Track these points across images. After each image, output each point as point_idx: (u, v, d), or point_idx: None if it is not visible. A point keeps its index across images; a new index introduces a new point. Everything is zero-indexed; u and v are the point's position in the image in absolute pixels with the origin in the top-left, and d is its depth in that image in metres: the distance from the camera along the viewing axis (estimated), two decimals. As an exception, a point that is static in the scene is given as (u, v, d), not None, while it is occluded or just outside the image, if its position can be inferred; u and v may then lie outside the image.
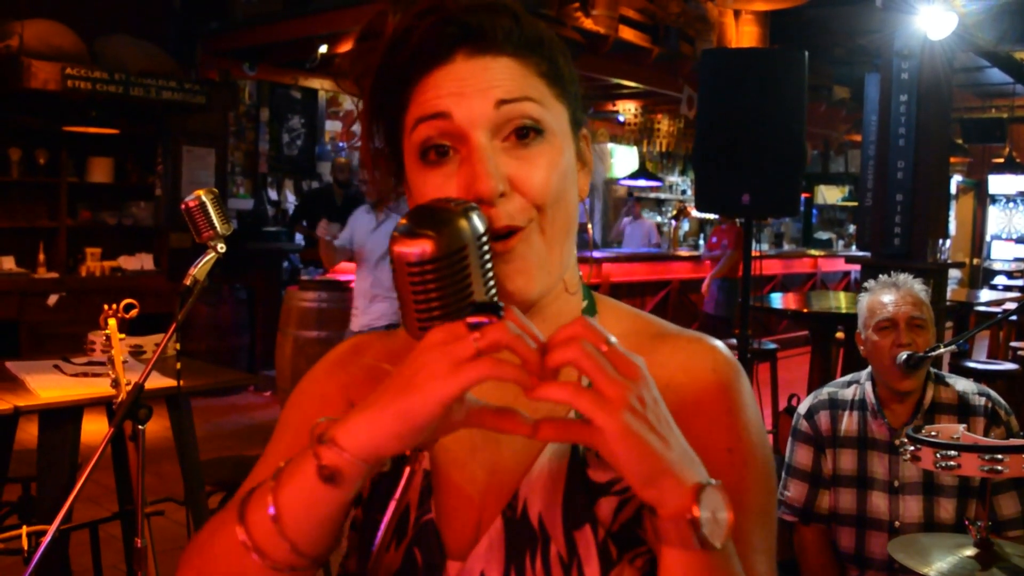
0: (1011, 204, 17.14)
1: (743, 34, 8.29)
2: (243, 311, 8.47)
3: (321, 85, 10.07)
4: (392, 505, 0.70)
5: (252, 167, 9.63)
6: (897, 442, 2.07)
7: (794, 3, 5.80)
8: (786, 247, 14.33)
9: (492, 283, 0.75)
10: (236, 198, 9.41)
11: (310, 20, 8.21)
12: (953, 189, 16.36)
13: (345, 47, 8.26)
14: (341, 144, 10.49)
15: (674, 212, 13.07)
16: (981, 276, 16.39)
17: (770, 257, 11.94)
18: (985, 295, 10.17)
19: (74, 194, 7.87)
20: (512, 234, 0.84)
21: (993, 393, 2.53)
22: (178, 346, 1.95)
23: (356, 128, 10.85)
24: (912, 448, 1.87)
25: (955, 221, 16.78)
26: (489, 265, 0.74)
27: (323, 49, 8.40)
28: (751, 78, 3.81)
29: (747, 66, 3.89)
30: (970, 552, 1.88)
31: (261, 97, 9.73)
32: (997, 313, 9.89)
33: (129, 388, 2.10)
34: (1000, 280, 15.89)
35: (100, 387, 2.91)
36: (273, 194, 9.78)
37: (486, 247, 0.74)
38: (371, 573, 0.70)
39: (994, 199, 17.11)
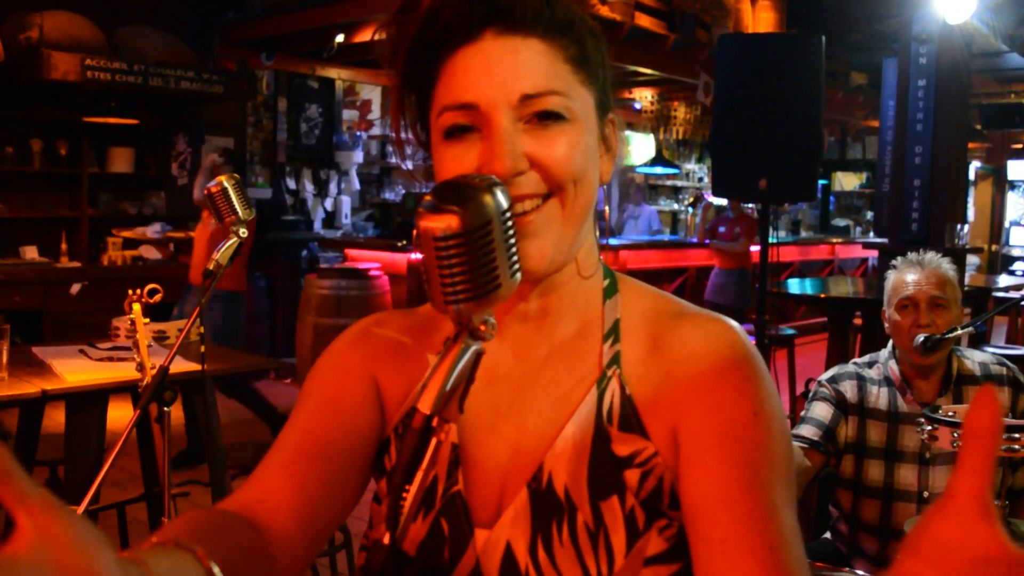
0: (1030, 190, 17.03)
1: (760, 20, 8.25)
2: (262, 300, 8.54)
3: (338, 74, 10.10)
4: (419, 475, 0.73)
5: (270, 156, 9.67)
6: (917, 429, 2.08)
7: (811, -13, 5.77)
8: (804, 234, 14.27)
9: (515, 257, 0.76)
10: (255, 187, 9.45)
11: (327, 10, 8.24)
12: (972, 175, 16.25)
13: (362, 36, 8.33)
14: (359, 133, 10.52)
15: (691, 200, 13.04)
16: (1000, 262, 16.29)
17: (787, 244, 11.91)
18: (1004, 281, 10.11)
19: (95, 184, 7.94)
20: (531, 210, 0.86)
21: (1008, 362, 2.56)
22: (202, 330, 1.99)
23: (372, 116, 10.88)
24: (929, 428, 1.89)
25: (974, 208, 16.68)
26: (513, 240, 0.76)
27: (340, 38, 8.43)
28: (768, 63, 3.81)
29: (763, 51, 3.89)
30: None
31: (278, 87, 9.76)
32: (1015, 299, 9.85)
33: (154, 372, 2.14)
34: (1019, 266, 15.80)
35: (125, 371, 2.96)
36: (291, 183, 9.83)
37: (510, 222, 0.76)
38: (398, 542, 0.72)
39: (1013, 185, 16.99)
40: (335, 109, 10.39)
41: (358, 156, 10.36)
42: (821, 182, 15.87)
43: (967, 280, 8.05)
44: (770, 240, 4.15)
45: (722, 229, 8.79)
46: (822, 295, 5.98)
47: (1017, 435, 1.76)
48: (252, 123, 9.50)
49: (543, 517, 0.89)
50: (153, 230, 7.59)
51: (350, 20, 8.28)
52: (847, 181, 16.86)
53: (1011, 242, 16.89)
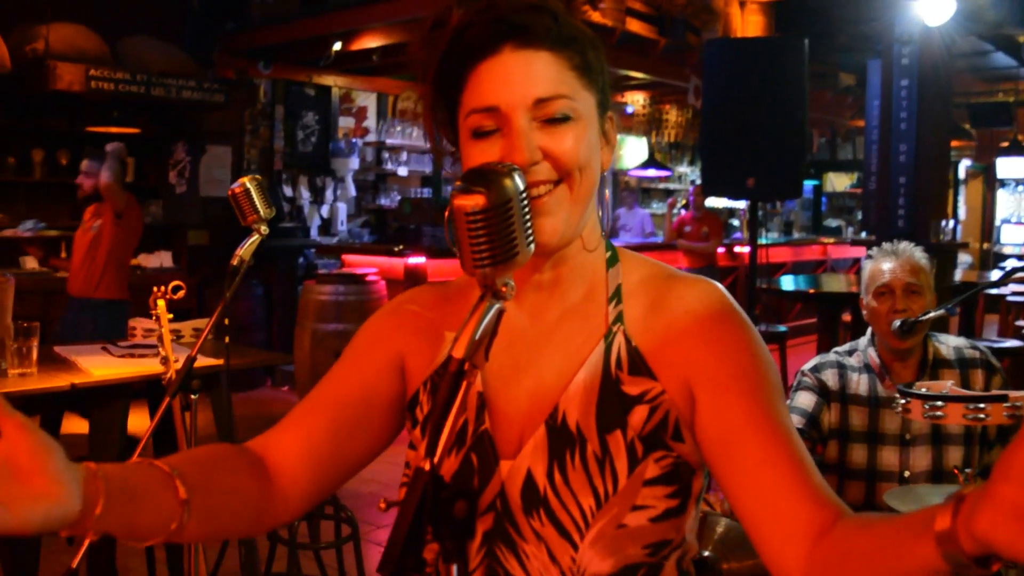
0: (1020, 188, 17.20)
1: (748, 23, 8.41)
2: (259, 307, 8.63)
3: (334, 82, 10.24)
4: (453, 410, 0.87)
5: (267, 164, 9.80)
6: (893, 405, 2.23)
7: (795, -8, 5.94)
8: (796, 235, 14.43)
9: (530, 231, 0.92)
10: (252, 195, 9.58)
11: (325, 19, 8.40)
12: (962, 174, 16.44)
13: (359, 44, 8.48)
14: (355, 140, 10.66)
15: (683, 202, 13.19)
16: (992, 259, 16.46)
17: (780, 244, 12.08)
18: (994, 276, 10.29)
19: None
20: (544, 194, 1.04)
21: (981, 345, 2.73)
22: (227, 321, 2.13)
23: (368, 123, 11.03)
24: (903, 402, 2.04)
25: (965, 206, 16.86)
26: (528, 217, 0.92)
27: (337, 46, 8.58)
28: (753, 67, 3.97)
29: (749, 55, 4.05)
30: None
31: (275, 95, 9.91)
32: (1005, 295, 10.03)
33: (178, 365, 2.29)
34: (1010, 264, 15.96)
35: (149, 366, 3.10)
36: (288, 190, 9.96)
37: (526, 201, 0.92)
38: (436, 470, 0.87)
39: (1003, 183, 17.16)
40: (331, 116, 10.54)
41: (354, 163, 10.49)
42: (813, 183, 16.08)
43: (959, 276, 8.25)
44: (759, 239, 4.30)
45: (688, 229, 8.95)
46: (811, 291, 6.13)
47: (983, 405, 1.91)
48: (250, 131, 9.64)
49: (558, 448, 1.06)
50: (25, 228, 7.49)
51: (346, 29, 8.44)
52: (838, 181, 17.05)
53: (1002, 239, 17.06)
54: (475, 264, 0.90)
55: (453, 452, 1.10)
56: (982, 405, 1.90)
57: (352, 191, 10.56)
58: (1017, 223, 17.15)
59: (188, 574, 2.46)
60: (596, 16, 7.63)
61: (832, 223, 15.76)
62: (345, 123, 10.85)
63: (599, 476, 1.04)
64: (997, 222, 17.24)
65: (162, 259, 8.28)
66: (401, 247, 7.54)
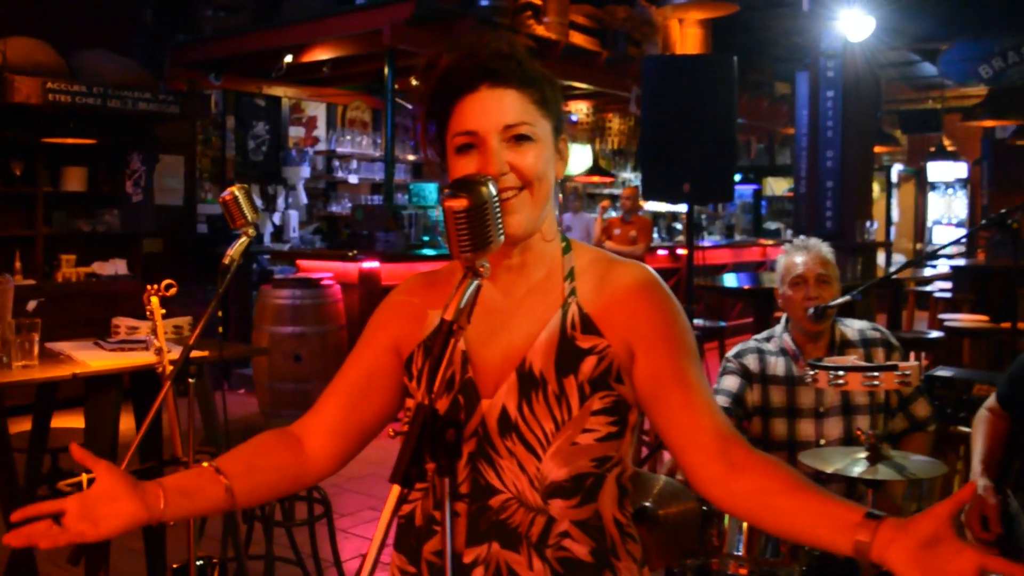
0: (950, 190, 17.89)
1: (687, 36, 8.76)
2: (214, 319, 8.77)
3: (284, 92, 10.45)
4: (445, 360, 1.17)
5: (219, 173, 9.96)
6: (806, 378, 2.56)
7: (727, 11, 6.30)
8: (738, 237, 14.90)
9: (501, 224, 1.23)
10: (205, 204, 9.73)
11: (276, 33, 8.62)
12: (895, 178, 17.08)
13: (309, 56, 8.70)
14: (305, 149, 10.85)
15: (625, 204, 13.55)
16: (924, 261, 17.06)
17: (722, 247, 12.51)
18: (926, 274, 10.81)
19: (49, 203, 8.13)
20: (511, 198, 1.36)
21: (881, 327, 3.10)
22: (220, 313, 2.38)
23: (318, 133, 11.23)
24: (812, 373, 2.37)
25: (898, 208, 17.51)
26: (499, 215, 1.23)
27: (289, 59, 8.80)
28: (688, 81, 4.30)
29: (684, 71, 4.39)
30: (862, 455, 2.37)
31: (227, 105, 10.08)
32: (932, 292, 10.54)
33: (172, 355, 2.54)
34: (941, 263, 16.55)
35: (142, 357, 3.34)
36: (241, 199, 10.10)
37: (498, 204, 1.23)
38: (432, 404, 1.16)
39: (934, 186, 17.84)
40: (282, 126, 10.73)
41: (305, 171, 10.68)
42: (753, 187, 16.59)
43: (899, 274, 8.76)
44: (697, 240, 4.62)
45: (617, 232, 9.23)
46: (746, 287, 6.49)
47: (877, 374, 2.25)
48: (201, 141, 9.80)
49: (526, 389, 1.38)
50: None
51: (296, 42, 8.66)
52: (777, 186, 17.58)
53: (934, 240, 17.72)
54: (460, 250, 1.20)
55: (445, 395, 1.41)
56: (876, 374, 2.24)
57: (303, 199, 10.75)
58: (947, 224, 17.79)
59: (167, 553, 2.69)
60: (541, 30, 7.95)
61: (771, 226, 16.27)
62: (295, 133, 11.04)
63: (557, 408, 1.37)
64: (929, 223, 17.89)
65: (117, 267, 8.37)
66: (355, 252, 7.76)
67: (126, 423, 3.58)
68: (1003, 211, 3.22)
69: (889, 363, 2.28)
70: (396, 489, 1.15)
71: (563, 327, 1.40)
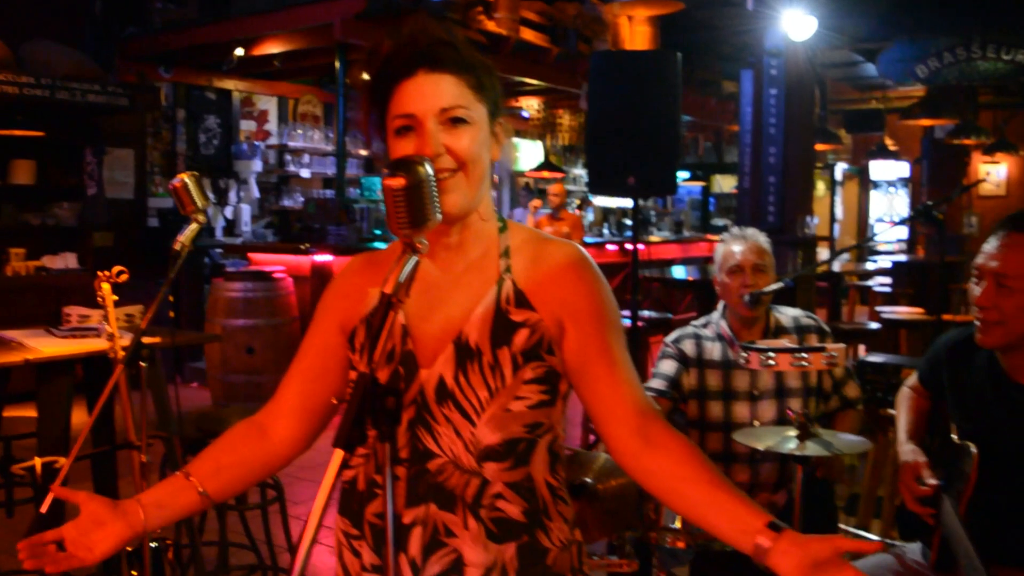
0: (892, 189, 18.25)
1: (636, 34, 8.86)
2: (163, 310, 8.72)
3: (235, 86, 10.42)
4: (385, 331, 1.25)
5: (170, 167, 9.91)
6: (740, 359, 2.68)
7: (672, 8, 6.42)
8: (686, 233, 15.09)
9: (438, 204, 1.30)
10: (155, 197, 9.69)
11: (226, 25, 8.60)
12: (839, 176, 17.39)
13: (260, 50, 8.70)
14: (257, 143, 10.83)
15: (577, 202, 13.70)
16: (867, 256, 17.42)
17: (671, 242, 12.70)
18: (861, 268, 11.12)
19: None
20: (447, 178, 1.43)
21: (815, 315, 3.23)
22: (172, 298, 2.43)
23: (269, 126, 11.21)
24: (745, 355, 2.48)
25: (842, 206, 17.82)
26: (436, 194, 1.30)
27: (240, 52, 8.78)
28: (634, 77, 4.41)
29: (630, 67, 4.49)
30: (792, 433, 2.49)
31: (177, 99, 10.04)
32: (872, 286, 10.80)
33: (124, 342, 2.59)
34: (882, 259, 16.91)
35: (93, 344, 3.38)
36: (192, 193, 10.05)
37: (434, 183, 1.30)
38: (373, 373, 1.24)
39: (876, 184, 18.19)
40: (233, 120, 10.69)
41: (256, 165, 10.65)
42: (700, 185, 16.82)
43: (837, 267, 9.05)
44: (644, 235, 4.73)
45: (549, 230, 9.32)
46: (691, 279, 6.63)
47: (806, 355, 2.37)
48: (151, 134, 9.75)
49: (462, 360, 1.46)
50: None
51: (247, 35, 8.65)
52: (725, 183, 17.80)
53: (876, 236, 18.06)
54: (399, 226, 1.27)
55: (386, 366, 1.48)
56: (805, 355, 2.35)
57: (255, 193, 10.73)
58: (890, 222, 18.13)
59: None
60: (492, 25, 8.02)
61: (719, 222, 16.48)
62: (247, 126, 11.02)
63: (491, 377, 1.45)
64: (872, 220, 18.24)
65: (67, 260, 8.31)
66: (307, 245, 7.79)
67: (78, 417, 3.61)
68: (928, 203, 3.37)
69: (817, 345, 2.40)
70: (339, 453, 1.22)
71: (498, 302, 1.48)
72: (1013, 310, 2.15)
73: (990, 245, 2.21)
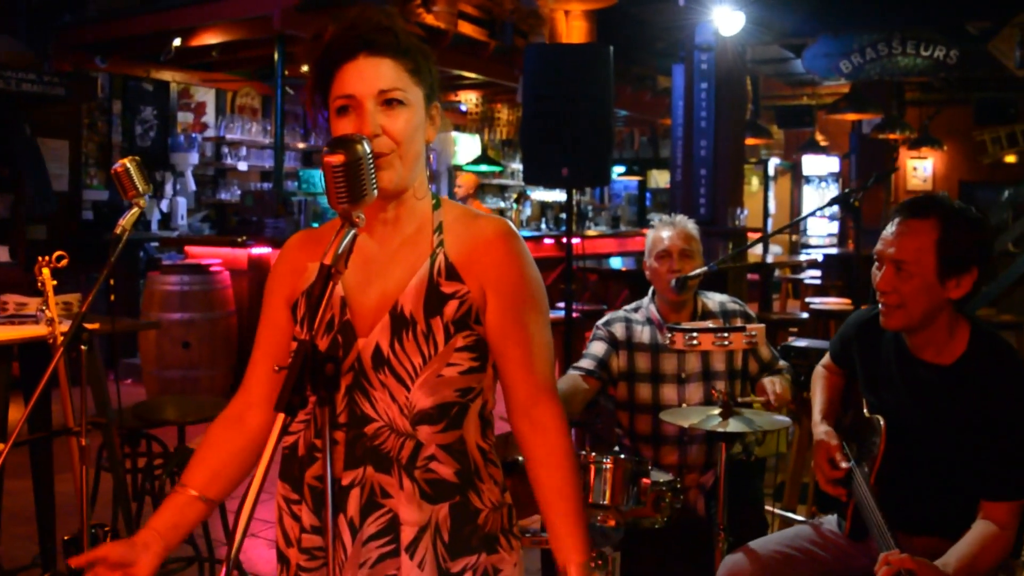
0: (823, 184, 18.65)
1: (572, 28, 8.98)
2: (99, 300, 8.57)
3: (173, 77, 10.32)
4: (324, 301, 1.33)
5: (106, 159, 9.80)
6: (666, 340, 2.80)
7: (607, 3, 6.54)
8: (623, 228, 15.29)
9: (375, 181, 1.38)
10: (91, 189, 9.58)
11: (163, 15, 8.52)
12: (772, 171, 17.75)
13: (198, 40, 8.64)
14: (194, 135, 10.74)
15: (515, 196, 13.81)
16: (800, 249, 17.80)
17: (608, 236, 12.86)
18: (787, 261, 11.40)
19: None
20: (383, 156, 1.52)
21: (740, 301, 3.38)
22: (112, 281, 2.47)
23: (207, 119, 11.13)
24: (670, 335, 2.60)
25: (775, 200, 18.18)
26: (373, 171, 1.38)
27: (177, 42, 8.71)
28: (567, 70, 4.52)
29: (562, 59, 4.60)
30: (716, 412, 2.62)
31: (113, 89, 9.92)
32: (803, 279, 11.08)
33: (63, 327, 2.62)
34: (815, 252, 17.30)
35: (32, 329, 3.39)
36: (127, 185, 9.94)
37: (371, 161, 1.38)
38: (312, 340, 1.32)
39: (808, 179, 18.57)
40: (170, 111, 10.60)
41: (193, 158, 10.55)
42: (637, 180, 17.05)
43: (770, 259, 9.28)
44: (581, 229, 4.84)
45: None
46: (623, 269, 6.78)
47: (727, 335, 2.49)
48: (87, 125, 9.63)
49: (397, 328, 1.55)
50: None
51: (185, 26, 8.58)
52: (661, 178, 18.07)
53: (809, 232, 18.46)
54: (338, 201, 1.36)
55: (326, 335, 1.57)
56: (726, 335, 2.48)
57: (192, 186, 10.63)
58: (822, 216, 18.53)
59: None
60: (429, 19, 8.06)
61: (655, 217, 16.71)
62: (184, 118, 10.92)
63: (425, 345, 1.54)
64: (804, 214, 18.59)
65: (0, 254, 8.19)
66: (245, 238, 7.77)
67: (15, 414, 3.61)
68: (846, 190, 3.52)
69: (737, 326, 2.53)
70: (280, 417, 1.31)
71: (431, 274, 1.57)
72: (912, 293, 2.27)
73: (887, 232, 2.32)
